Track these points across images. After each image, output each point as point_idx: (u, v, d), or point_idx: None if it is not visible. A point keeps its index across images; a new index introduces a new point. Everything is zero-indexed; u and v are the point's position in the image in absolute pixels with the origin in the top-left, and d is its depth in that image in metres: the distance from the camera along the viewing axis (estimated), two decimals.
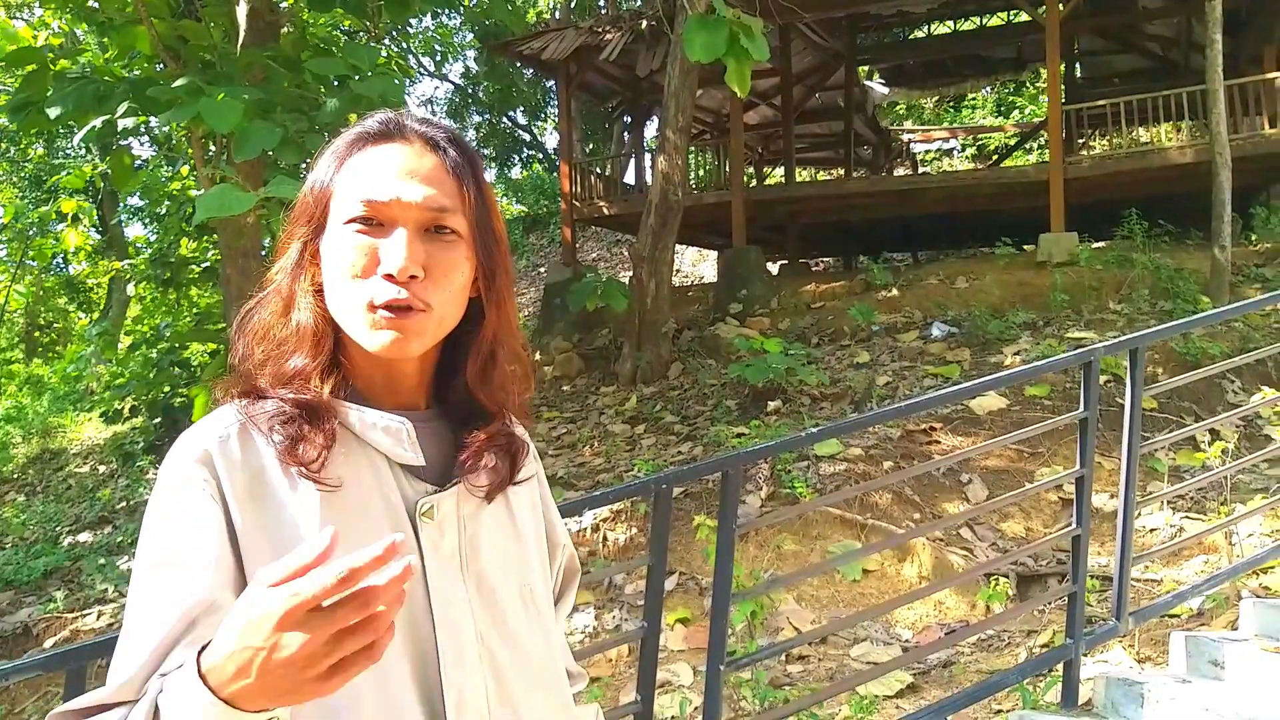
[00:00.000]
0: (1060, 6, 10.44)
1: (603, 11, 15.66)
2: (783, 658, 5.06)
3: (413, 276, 0.95)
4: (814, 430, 3.37)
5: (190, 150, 7.07)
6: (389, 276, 0.94)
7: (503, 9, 10.80)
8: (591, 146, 19.12)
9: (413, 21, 17.96)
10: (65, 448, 13.50)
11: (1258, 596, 4.55)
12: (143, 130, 11.13)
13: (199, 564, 0.90)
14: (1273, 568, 4.93)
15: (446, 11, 16.23)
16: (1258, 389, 6.90)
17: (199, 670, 0.76)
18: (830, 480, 6.55)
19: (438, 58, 20.00)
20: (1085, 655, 4.45)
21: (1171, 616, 4.63)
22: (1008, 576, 5.51)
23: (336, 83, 6.45)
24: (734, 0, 8.92)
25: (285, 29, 9.08)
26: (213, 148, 7.02)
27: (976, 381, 3.51)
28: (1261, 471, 6.53)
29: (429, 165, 0.99)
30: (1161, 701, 3.20)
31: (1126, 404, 3.43)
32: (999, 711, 4.15)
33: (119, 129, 6.43)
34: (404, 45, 20.10)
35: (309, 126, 6.11)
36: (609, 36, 11.61)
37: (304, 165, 5.98)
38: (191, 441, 0.96)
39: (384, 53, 12.24)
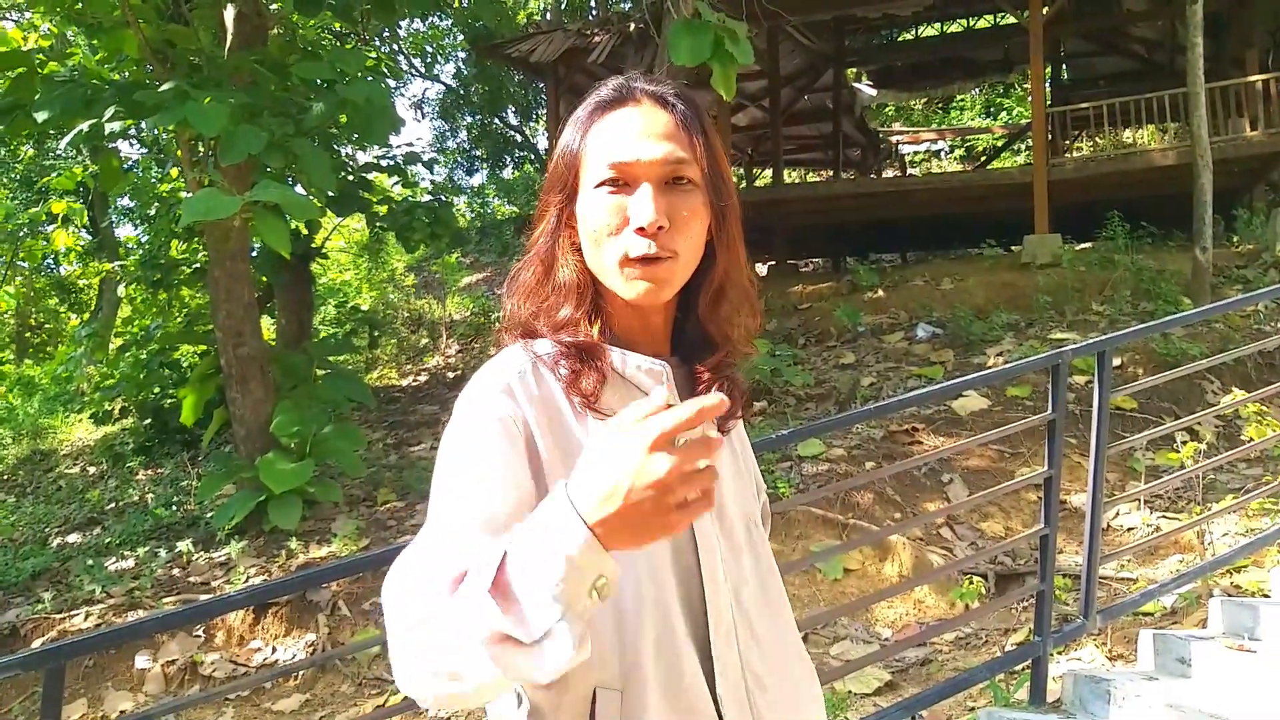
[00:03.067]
0: (1044, 10, 10.52)
1: (593, 14, 15.71)
2: None
3: (660, 228, 1.05)
4: (790, 431, 3.43)
5: (179, 152, 7.10)
6: (640, 230, 1.05)
7: (489, 11, 10.84)
8: None
9: (403, 23, 18.01)
10: (55, 449, 13.49)
11: (1229, 595, 4.63)
12: (132, 132, 11.13)
13: (506, 482, 0.99)
14: (1245, 567, 5.01)
15: (436, 14, 16.26)
16: (1234, 390, 6.98)
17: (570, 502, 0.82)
18: (813, 480, 6.61)
19: (428, 59, 20.01)
20: (1059, 653, 4.53)
21: (1145, 614, 4.70)
22: (985, 576, 5.58)
23: (325, 85, 6.49)
24: (719, 2, 8.99)
25: (275, 31, 9.12)
26: (201, 151, 7.06)
27: (947, 384, 3.57)
28: (1239, 471, 6.61)
29: (662, 122, 1.08)
30: (1128, 698, 3.27)
31: (1094, 405, 3.49)
32: (973, 708, 4.21)
33: (106, 132, 6.47)
34: (395, 47, 20.15)
35: (295, 130, 6.15)
36: (597, 39, 11.65)
37: (290, 169, 6.03)
38: (493, 376, 1.07)
39: (373, 55, 12.30)
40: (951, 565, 5.32)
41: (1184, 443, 6.96)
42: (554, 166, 1.13)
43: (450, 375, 12.91)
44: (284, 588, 5.55)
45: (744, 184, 17.30)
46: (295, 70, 6.14)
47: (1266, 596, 4.19)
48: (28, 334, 21.26)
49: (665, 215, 1.05)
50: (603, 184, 1.07)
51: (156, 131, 12.50)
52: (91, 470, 12.09)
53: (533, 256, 1.13)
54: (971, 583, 4.46)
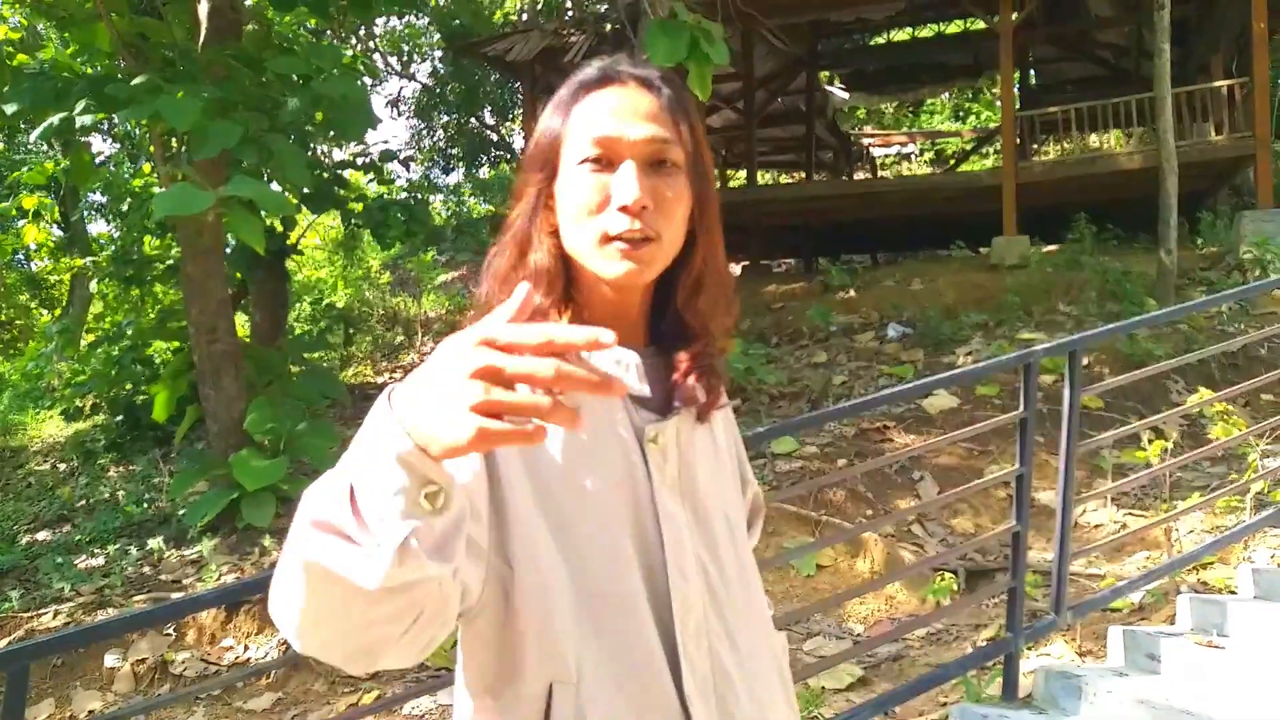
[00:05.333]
0: (1014, 15, 10.65)
1: (569, 14, 15.70)
2: None
3: (644, 207, 1.02)
4: (765, 429, 3.47)
5: (152, 147, 7.05)
6: (623, 208, 1.02)
7: (465, 8, 10.80)
8: None
9: (380, 21, 17.92)
10: (25, 445, 13.31)
11: (1196, 592, 4.72)
12: (104, 127, 11.03)
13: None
14: (1212, 564, 5.11)
15: (414, 12, 16.20)
16: (1199, 389, 7.11)
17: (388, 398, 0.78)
18: (786, 477, 6.67)
19: (405, 58, 19.92)
20: (1030, 649, 4.60)
21: (1114, 611, 4.78)
22: (955, 572, 5.65)
23: (301, 81, 6.46)
24: (695, 5, 9.03)
25: (250, 26, 9.05)
26: (174, 146, 7.01)
27: (919, 382, 3.62)
28: (1204, 470, 6.74)
29: (647, 103, 1.06)
30: (1099, 694, 3.34)
31: (1065, 404, 3.56)
32: (945, 704, 4.27)
33: (77, 126, 6.41)
34: (371, 45, 20.03)
35: (269, 125, 6.12)
36: (573, 39, 11.68)
37: (265, 164, 6.00)
38: None
39: (349, 52, 12.24)
40: (923, 562, 5.39)
41: (1150, 441, 7.11)
42: (534, 145, 1.10)
43: None
44: (254, 587, 5.53)
45: (718, 185, 17.32)
46: (270, 65, 6.11)
47: (1233, 593, 4.28)
48: None
49: (649, 195, 1.02)
50: (585, 161, 1.04)
51: (129, 126, 12.40)
52: (62, 467, 11.94)
53: (508, 240, 1.10)
54: (943, 579, 4.52)
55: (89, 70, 7.81)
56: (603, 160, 1.04)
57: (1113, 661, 3.68)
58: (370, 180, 11.92)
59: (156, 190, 8.91)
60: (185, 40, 7.41)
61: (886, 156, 18.69)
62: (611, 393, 0.71)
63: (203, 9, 7.35)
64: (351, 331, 13.56)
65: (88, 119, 6.48)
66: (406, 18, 17.41)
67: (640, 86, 1.08)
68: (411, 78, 21.99)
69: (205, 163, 6.40)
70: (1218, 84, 10.56)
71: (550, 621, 0.98)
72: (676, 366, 1.12)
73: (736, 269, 14.09)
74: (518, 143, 22.49)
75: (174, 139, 6.90)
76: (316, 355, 13.25)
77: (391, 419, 0.76)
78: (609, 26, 11.34)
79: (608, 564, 1.02)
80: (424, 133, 24.21)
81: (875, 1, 11.42)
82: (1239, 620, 3.62)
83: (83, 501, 9.22)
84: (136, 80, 6.18)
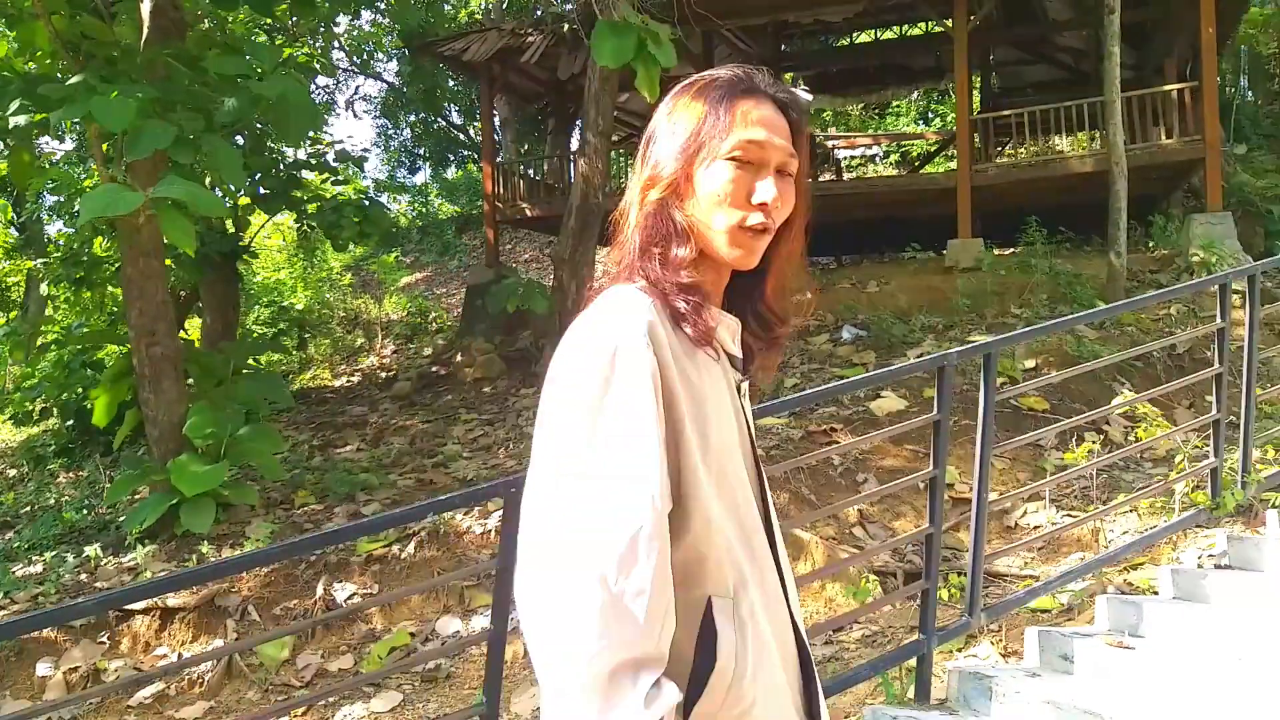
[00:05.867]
0: (970, 18, 10.70)
1: (539, 12, 15.65)
2: None
3: (777, 208, 1.23)
4: None
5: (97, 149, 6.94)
6: (762, 205, 1.22)
7: (410, 11, 10.74)
8: (526, 148, 19.06)
9: (341, 20, 17.76)
10: None
11: (1123, 592, 4.74)
12: (51, 126, 10.88)
13: (656, 442, 1.11)
14: (1142, 564, 5.13)
15: (374, 10, 16.09)
16: (1144, 390, 7.15)
17: None
18: None
19: (366, 57, 19.79)
20: (958, 649, 4.61)
21: (1043, 611, 4.80)
22: (895, 574, 5.65)
23: (239, 81, 6.37)
24: (652, 5, 9.01)
25: (206, 24, 8.95)
26: (114, 146, 6.90)
27: (832, 385, 3.61)
28: (1144, 470, 6.78)
29: (782, 122, 1.25)
30: (1009, 695, 3.33)
31: (980, 406, 3.55)
32: (870, 705, 4.27)
33: (11, 126, 6.31)
34: (335, 44, 19.87)
35: (205, 125, 6.04)
36: (531, 39, 11.62)
37: (200, 165, 5.92)
38: (632, 321, 1.15)
39: (305, 51, 12.13)
40: (856, 559, 5.38)
41: (1095, 442, 7.15)
42: (683, 132, 1.24)
43: (383, 375, 12.77)
44: (164, 586, 5.46)
45: None
46: (206, 64, 6.03)
47: (1156, 594, 4.29)
48: None
49: (779, 198, 1.22)
50: (733, 158, 1.21)
51: (79, 126, 12.22)
52: (12, 473, 11.78)
53: (649, 206, 1.25)
54: (869, 581, 4.52)
55: (30, 68, 7.71)
56: (744, 161, 1.22)
57: (1028, 662, 3.68)
58: (331, 180, 11.83)
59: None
60: (133, 40, 7.32)
61: (852, 158, 18.74)
62: None
63: (145, 8, 7.25)
64: (306, 334, 13.43)
65: (22, 119, 6.39)
66: (371, 16, 17.27)
67: (776, 105, 1.25)
68: (378, 77, 21.88)
69: (145, 163, 6.32)
70: (1168, 88, 10.64)
71: (713, 541, 1.16)
72: (757, 337, 1.33)
73: None
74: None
75: (113, 140, 6.78)
76: (276, 358, 13.15)
77: None
78: (566, 27, 11.29)
79: (747, 503, 1.23)
80: (390, 132, 24.10)
81: (834, 3, 11.42)
82: (1153, 621, 3.63)
83: (27, 507, 9.08)
84: (71, 80, 6.09)
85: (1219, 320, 4.25)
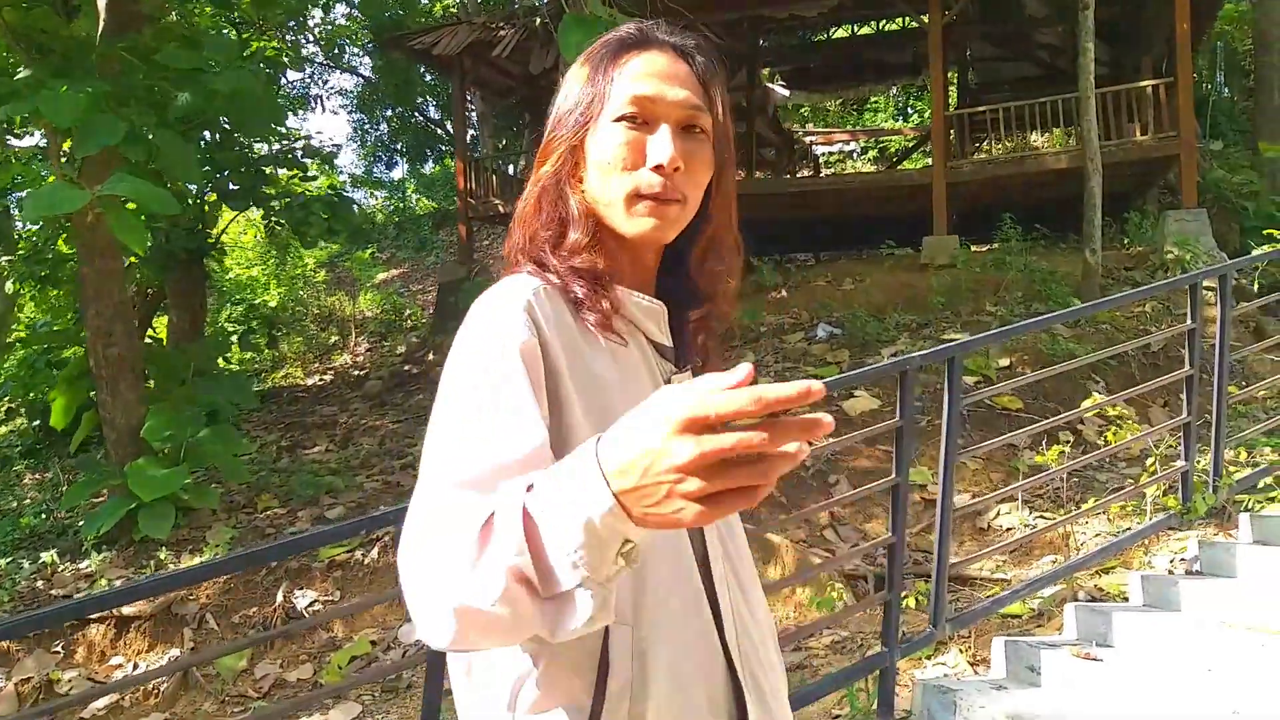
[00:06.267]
0: (943, 14, 10.62)
1: (515, 5, 15.49)
2: None
3: (676, 169, 1.05)
4: None
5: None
6: (658, 168, 1.05)
7: (376, 4, 10.58)
8: (504, 143, 18.89)
9: (316, 14, 17.55)
10: None
11: (1094, 598, 4.66)
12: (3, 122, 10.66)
13: (531, 420, 0.94)
14: (1114, 567, 5.06)
15: (344, 4, 15.91)
16: (1119, 389, 7.10)
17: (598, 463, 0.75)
18: None
19: (337, 51, 19.58)
20: (927, 656, 4.52)
21: (1012, 616, 4.72)
22: (865, 578, 5.56)
23: (192, 75, 6.22)
24: (621, 0, 8.87)
25: (173, 18, 8.76)
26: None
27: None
28: (1119, 470, 6.72)
29: (684, 70, 1.09)
30: (973, 709, 3.24)
31: (944, 412, 3.46)
32: (838, 716, 4.17)
33: None
34: (308, 38, 19.65)
35: (159, 121, 5.88)
36: (503, 33, 11.47)
37: (151, 161, 5.76)
38: (509, 298, 1.02)
39: (273, 45, 11.95)
40: (826, 565, 5.28)
41: (1068, 442, 7.08)
42: (568, 100, 1.11)
43: (356, 374, 12.60)
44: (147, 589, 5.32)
45: None
46: (158, 58, 5.87)
47: (1128, 599, 4.21)
48: None
49: (681, 158, 1.05)
50: (622, 119, 1.06)
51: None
52: None
53: (540, 188, 1.12)
54: (835, 590, 4.43)
55: None
56: (638, 119, 1.07)
57: (995, 673, 3.60)
58: (302, 176, 11.65)
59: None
60: (93, 34, 7.14)
61: (830, 154, 18.65)
62: (819, 434, 0.68)
63: (101, 1, 7.08)
64: (276, 333, 13.24)
65: None
66: (346, 10, 17.06)
67: (677, 54, 1.10)
68: (354, 71, 21.66)
69: (99, 161, 6.15)
70: (1143, 84, 10.59)
71: None
72: (685, 326, 1.16)
73: None
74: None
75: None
76: (247, 357, 12.97)
77: (602, 484, 0.74)
78: (538, 21, 11.14)
79: None
80: (367, 127, 23.87)
81: None
82: (1122, 630, 3.55)
83: None
84: (20, 75, 5.93)
85: (1189, 321, 4.17)
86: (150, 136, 5.62)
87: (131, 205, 5.42)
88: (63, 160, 6.70)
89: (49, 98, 5.44)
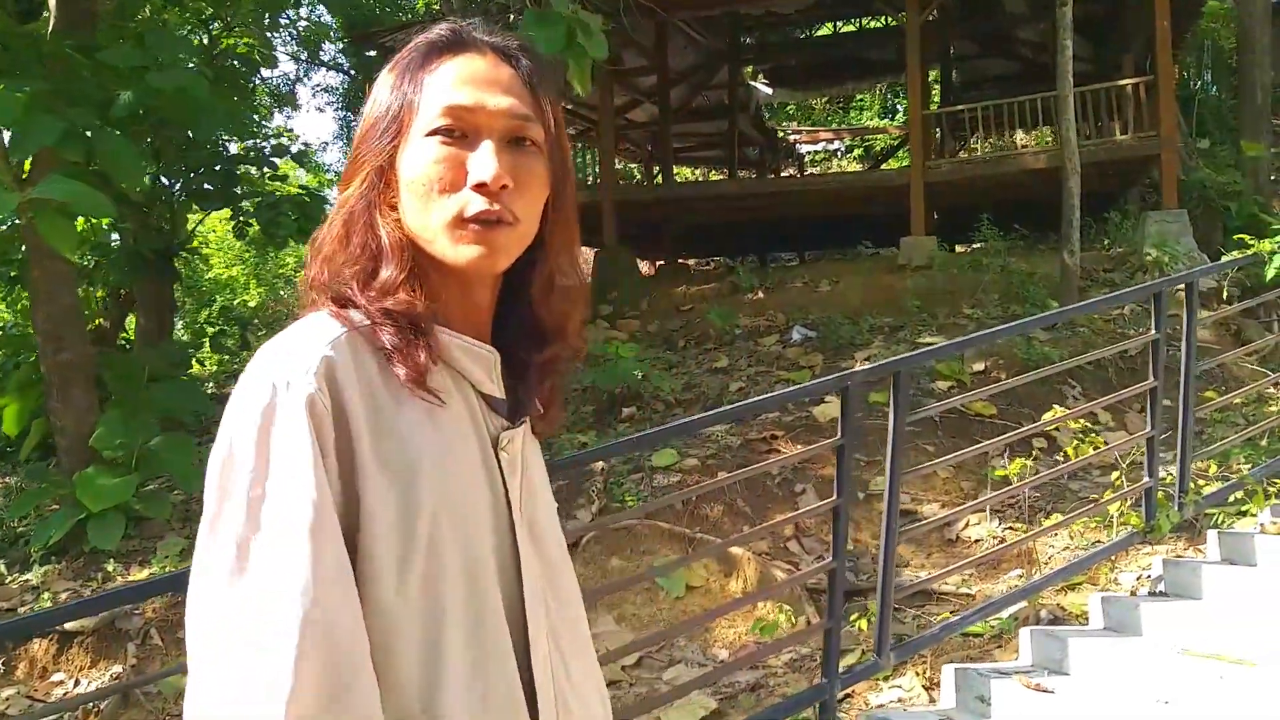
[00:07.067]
0: (924, 11, 10.46)
1: (489, 3, 15.31)
2: None
3: (503, 186, 0.92)
4: (614, 442, 3.17)
5: None
6: (480, 187, 0.91)
7: (339, 5, 10.39)
8: None
9: (291, 11, 17.32)
10: None
11: (1055, 618, 4.51)
12: None
13: (327, 500, 0.83)
14: (1081, 584, 4.91)
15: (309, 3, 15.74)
16: (1095, 394, 6.95)
17: None
18: (664, 492, 6.38)
19: (313, 49, 19.39)
20: (884, 679, 4.36)
21: (973, 635, 4.56)
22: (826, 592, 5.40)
23: (135, 74, 6.03)
24: None
25: (144, 15, 8.57)
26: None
27: (742, 404, 3.34)
28: (1094, 479, 6.56)
29: (506, 75, 0.97)
30: None
31: (890, 430, 3.30)
32: None
33: None
34: (288, 35, 19.43)
35: (101, 120, 5.70)
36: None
37: (91, 162, 5.57)
38: (302, 349, 0.87)
39: (245, 42, 11.74)
40: (788, 583, 5.12)
41: (1040, 448, 6.93)
42: (374, 113, 0.97)
43: None
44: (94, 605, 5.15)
45: (645, 180, 17.07)
46: (100, 56, 5.68)
47: (1088, 622, 4.06)
48: None
49: (509, 174, 0.92)
50: (435, 132, 0.93)
51: None
52: None
53: (344, 214, 0.95)
54: (783, 611, 4.27)
55: None
56: (455, 132, 0.93)
57: (944, 704, 3.44)
58: (277, 175, 11.45)
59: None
60: (44, 31, 6.95)
61: (814, 153, 18.50)
62: None
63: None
64: (259, 333, 13.04)
65: None
66: (299, 8, 16.84)
67: (498, 55, 0.98)
68: (339, 68, 21.45)
69: (46, 161, 5.96)
70: (1122, 82, 10.43)
71: (397, 651, 0.88)
72: (528, 370, 1.02)
73: (650, 269, 13.81)
74: None
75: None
76: (222, 359, 12.77)
77: None
78: (511, 18, 10.97)
79: (467, 585, 0.91)
80: (352, 124, 23.66)
81: None
82: (1078, 656, 3.39)
83: None
84: None
85: (1154, 331, 4.01)
86: (89, 136, 5.42)
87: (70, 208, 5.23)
88: (13, 162, 6.53)
89: None
